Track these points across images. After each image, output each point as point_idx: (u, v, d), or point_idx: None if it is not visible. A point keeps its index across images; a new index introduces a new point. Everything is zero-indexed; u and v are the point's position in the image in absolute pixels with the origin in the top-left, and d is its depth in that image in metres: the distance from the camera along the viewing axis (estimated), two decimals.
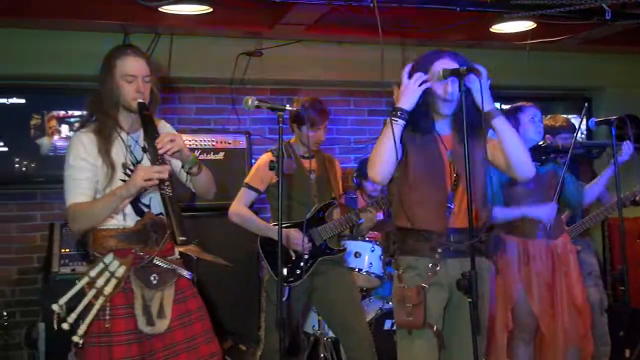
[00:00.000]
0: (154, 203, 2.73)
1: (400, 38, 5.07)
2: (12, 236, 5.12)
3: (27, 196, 5.16)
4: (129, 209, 2.70)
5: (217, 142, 4.98)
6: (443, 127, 2.80)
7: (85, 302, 2.64)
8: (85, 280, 2.68)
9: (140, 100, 2.65)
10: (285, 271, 3.73)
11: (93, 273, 2.67)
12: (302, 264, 3.77)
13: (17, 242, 5.13)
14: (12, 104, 4.92)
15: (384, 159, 2.67)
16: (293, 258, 3.79)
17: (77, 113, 5.00)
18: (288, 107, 2.92)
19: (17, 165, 4.91)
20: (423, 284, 2.68)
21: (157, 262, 2.73)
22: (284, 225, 3.07)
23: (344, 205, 4.34)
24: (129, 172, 2.67)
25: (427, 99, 2.70)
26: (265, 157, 3.83)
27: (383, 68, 2.66)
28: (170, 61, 4.96)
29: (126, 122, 2.75)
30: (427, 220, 2.72)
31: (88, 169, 2.63)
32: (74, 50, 4.85)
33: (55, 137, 5.00)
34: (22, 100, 4.95)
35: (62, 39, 4.85)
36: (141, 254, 2.69)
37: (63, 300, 2.66)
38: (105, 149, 2.65)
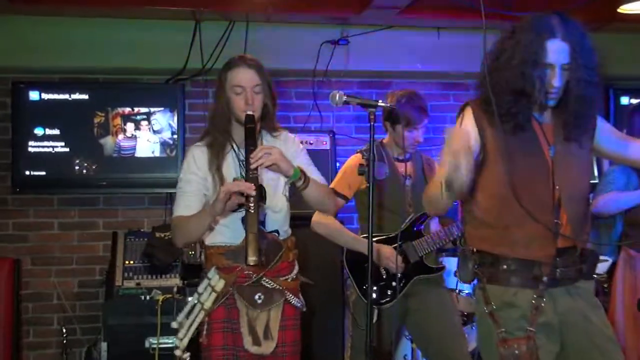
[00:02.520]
0: (269, 220, 2.90)
1: (509, 22, 4.91)
2: (73, 246, 5.28)
3: (89, 201, 5.30)
4: (237, 225, 2.85)
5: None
6: (544, 118, 2.63)
7: (193, 317, 2.89)
8: (195, 297, 2.93)
9: (250, 113, 2.81)
10: (375, 291, 3.71)
11: (200, 289, 2.92)
12: (394, 283, 3.74)
13: (77, 252, 5.29)
14: (74, 100, 5.06)
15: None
16: (384, 276, 3.77)
17: (144, 110, 5.12)
18: (381, 103, 2.88)
19: (77, 167, 5.04)
20: (530, 329, 2.47)
21: (265, 283, 2.89)
22: (374, 238, 2.97)
23: (444, 215, 4.13)
24: None
25: (526, 86, 2.48)
26: (353, 160, 3.82)
27: (486, 57, 2.58)
28: (246, 51, 4.95)
29: (240, 135, 2.89)
30: (530, 247, 2.51)
31: (196, 182, 2.87)
32: (140, 40, 4.99)
33: (120, 136, 5.11)
34: (85, 96, 5.07)
35: (128, 28, 4.99)
36: (247, 272, 2.85)
37: (181, 316, 2.92)
38: (216, 164, 2.87)
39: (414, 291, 3.76)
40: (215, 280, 2.88)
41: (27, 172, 5.01)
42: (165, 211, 5.24)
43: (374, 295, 3.71)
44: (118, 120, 5.12)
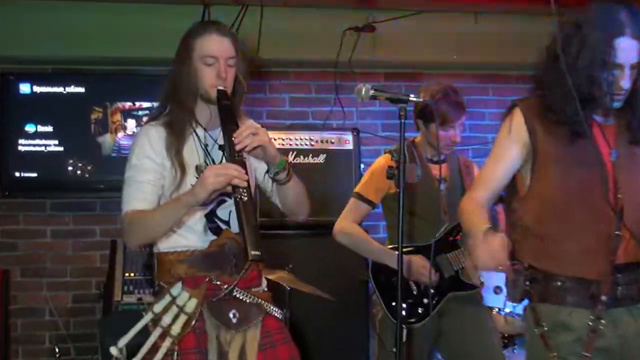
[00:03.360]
0: (236, 219, 2.66)
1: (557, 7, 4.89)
2: (67, 256, 5.30)
3: (85, 206, 5.32)
4: (201, 225, 2.71)
5: (317, 141, 4.99)
6: (605, 120, 2.61)
7: (149, 344, 2.63)
8: (149, 317, 2.67)
9: (220, 88, 2.67)
10: (404, 309, 3.68)
11: (158, 308, 2.66)
12: (426, 300, 3.71)
13: (72, 262, 5.30)
14: (69, 93, 5.09)
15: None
16: (415, 292, 3.75)
17: (146, 105, 5.13)
18: (413, 98, 2.85)
19: (72, 168, 5.07)
20: (586, 355, 2.44)
21: (238, 295, 2.72)
22: (404, 250, 3.00)
23: None
24: None
25: (593, 90, 2.47)
26: (382, 161, 3.81)
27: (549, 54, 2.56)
28: (260, 39, 5.01)
29: (204, 115, 2.77)
30: (584, 263, 2.49)
31: (153, 170, 2.67)
32: (143, 27, 4.99)
33: (120, 134, 5.13)
34: (81, 89, 5.11)
35: (129, 13, 4.99)
36: (217, 283, 2.68)
37: (123, 341, 2.65)
38: (176, 147, 2.68)
39: (448, 309, 3.74)
40: (183, 299, 2.63)
41: (17, 174, 5.03)
42: None
43: (404, 313, 3.67)
44: (118, 116, 5.13)
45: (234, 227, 2.72)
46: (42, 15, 4.96)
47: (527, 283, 2.57)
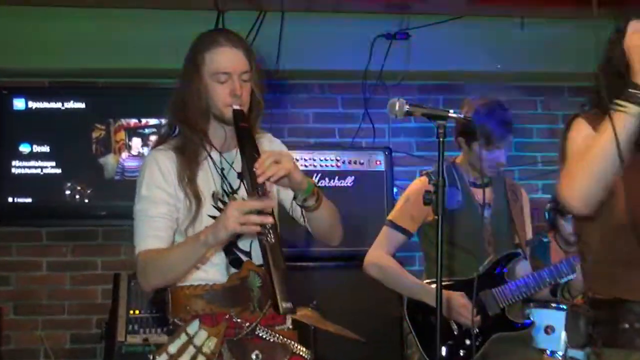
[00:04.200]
0: (258, 249, 2.64)
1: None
2: (64, 290, 5.29)
3: (85, 236, 5.32)
4: (220, 258, 2.71)
5: (344, 162, 4.97)
6: None
7: None
8: (163, 358, 2.66)
9: (237, 107, 2.66)
10: (444, 351, 3.66)
11: (173, 348, 2.65)
12: (468, 341, 3.70)
13: (70, 298, 5.30)
14: (67, 109, 5.09)
15: (593, 169, 2.34)
16: (456, 333, 3.73)
17: (153, 122, 5.13)
18: (453, 114, 2.81)
19: (69, 193, 5.06)
20: None
21: (261, 333, 2.71)
22: (443, 284, 2.93)
23: (533, 255, 4.26)
24: (220, 204, 2.69)
25: None
26: (418, 185, 3.80)
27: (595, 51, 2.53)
28: (280, 48, 5.05)
29: (218, 136, 2.77)
30: None
31: (166, 202, 2.67)
32: (150, 36, 5.01)
33: (124, 154, 5.13)
34: (81, 105, 5.11)
35: (134, 21, 5.02)
36: (238, 320, 2.68)
37: None
38: (189, 175, 2.68)
39: (494, 352, 3.73)
40: (201, 338, 2.64)
41: (10, 199, 5.02)
42: None
43: (443, 355, 3.65)
44: (122, 135, 5.13)
45: (256, 258, 2.71)
46: (38, 23, 4.99)
47: (590, 326, 2.57)
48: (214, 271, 2.70)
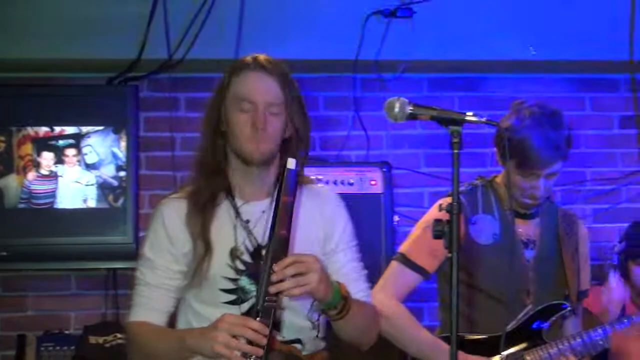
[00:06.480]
0: (290, 317, 2.74)
1: None
2: None
3: None
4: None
5: (327, 181, 4.62)
6: None
7: None
8: None
9: (291, 167, 2.57)
10: None
11: None
12: None
13: None
14: None
15: None
16: None
17: (71, 130, 4.73)
18: (471, 117, 2.54)
19: None
20: None
21: None
22: (464, 340, 3.21)
23: (588, 310, 4.09)
24: (241, 266, 2.70)
25: None
26: (437, 212, 3.39)
27: None
28: (241, 32, 4.70)
29: (244, 179, 2.79)
30: None
31: (167, 269, 2.75)
32: (64, 16, 4.62)
33: (31, 175, 4.72)
34: None
35: None
36: None
37: None
38: (201, 223, 2.73)
39: None
40: None
41: None
42: (106, 299, 4.87)
43: None
44: (28, 148, 4.72)
45: (288, 332, 2.81)
46: None
47: None
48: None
